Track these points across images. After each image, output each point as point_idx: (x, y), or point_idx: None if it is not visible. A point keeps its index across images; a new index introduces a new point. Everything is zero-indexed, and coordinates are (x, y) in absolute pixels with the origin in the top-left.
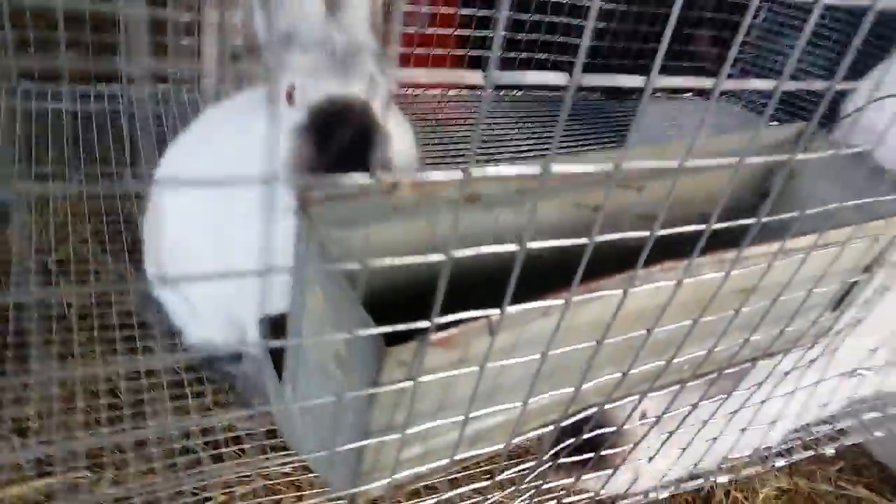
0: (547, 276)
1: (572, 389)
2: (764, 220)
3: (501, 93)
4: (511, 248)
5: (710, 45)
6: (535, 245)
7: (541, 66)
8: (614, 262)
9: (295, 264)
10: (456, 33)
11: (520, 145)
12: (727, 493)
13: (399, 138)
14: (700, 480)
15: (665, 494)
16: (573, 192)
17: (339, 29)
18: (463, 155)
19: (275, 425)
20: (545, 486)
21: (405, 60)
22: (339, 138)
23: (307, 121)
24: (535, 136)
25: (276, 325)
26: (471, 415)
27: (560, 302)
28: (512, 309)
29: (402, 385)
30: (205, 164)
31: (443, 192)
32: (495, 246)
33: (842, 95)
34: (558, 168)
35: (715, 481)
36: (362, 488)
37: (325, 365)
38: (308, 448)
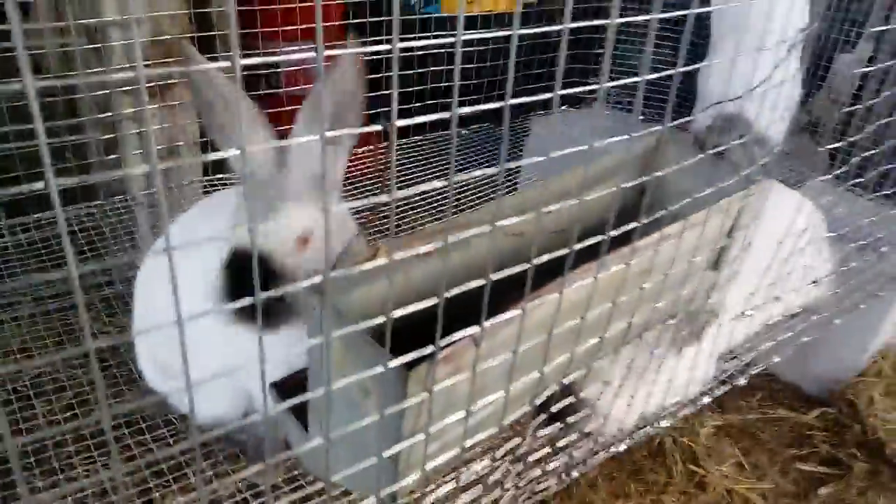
0: (494, 291)
1: (538, 374)
2: (643, 222)
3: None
4: (481, 282)
5: (570, 62)
6: (497, 276)
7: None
8: (545, 268)
9: (312, 328)
10: None
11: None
12: (675, 441)
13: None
14: (648, 429)
15: (623, 447)
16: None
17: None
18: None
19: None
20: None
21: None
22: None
23: (225, 262)
24: (441, 173)
25: (283, 386)
26: (471, 409)
27: (518, 311)
28: (486, 323)
29: (422, 397)
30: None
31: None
32: (473, 282)
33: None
34: (503, 222)
35: (659, 426)
36: (402, 484)
37: (351, 400)
38: (342, 472)
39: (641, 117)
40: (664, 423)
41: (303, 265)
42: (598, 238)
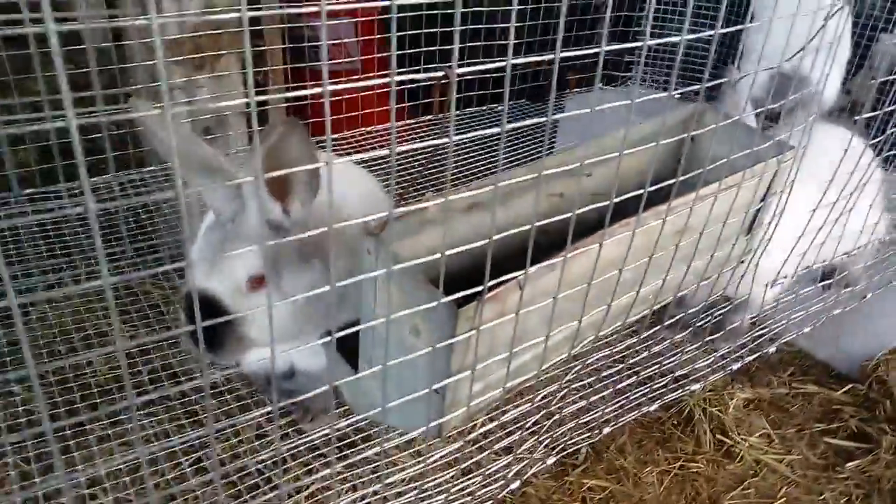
0: (535, 254)
1: (576, 324)
2: (680, 179)
3: (440, 115)
4: (525, 228)
5: (611, 37)
6: (540, 223)
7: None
8: (582, 231)
9: (366, 270)
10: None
11: (467, 157)
12: (704, 411)
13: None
14: (678, 392)
15: (654, 407)
16: (544, 186)
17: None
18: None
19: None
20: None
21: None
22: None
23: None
24: (479, 147)
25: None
26: (513, 351)
27: (560, 259)
28: (531, 269)
29: (470, 334)
30: None
31: (453, 206)
32: (519, 228)
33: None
34: (546, 171)
35: (690, 394)
36: (448, 417)
37: (402, 339)
38: (391, 409)
39: (678, 95)
40: (694, 387)
41: (258, 303)
42: (637, 192)
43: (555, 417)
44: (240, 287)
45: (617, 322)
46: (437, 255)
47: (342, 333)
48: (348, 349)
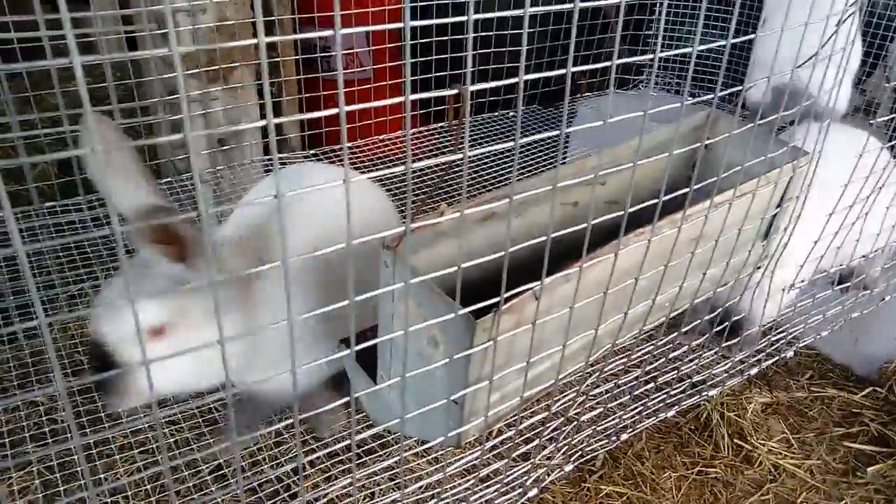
0: (550, 262)
1: (593, 333)
2: (694, 187)
3: (453, 122)
4: (542, 239)
5: (622, 42)
6: (556, 234)
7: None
8: (597, 238)
9: (383, 286)
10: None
11: (481, 166)
12: (722, 415)
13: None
14: (696, 398)
15: (672, 412)
16: (558, 195)
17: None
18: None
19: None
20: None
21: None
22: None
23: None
24: (492, 156)
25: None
26: (530, 361)
27: (576, 269)
28: (547, 279)
29: (488, 344)
30: None
31: (468, 217)
32: (534, 238)
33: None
34: (563, 183)
35: (708, 399)
36: (466, 427)
37: (420, 350)
38: (409, 419)
39: (689, 101)
40: (712, 392)
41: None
42: (652, 202)
43: (573, 424)
44: (134, 337)
45: (633, 330)
46: (454, 268)
47: (362, 346)
48: (367, 361)
